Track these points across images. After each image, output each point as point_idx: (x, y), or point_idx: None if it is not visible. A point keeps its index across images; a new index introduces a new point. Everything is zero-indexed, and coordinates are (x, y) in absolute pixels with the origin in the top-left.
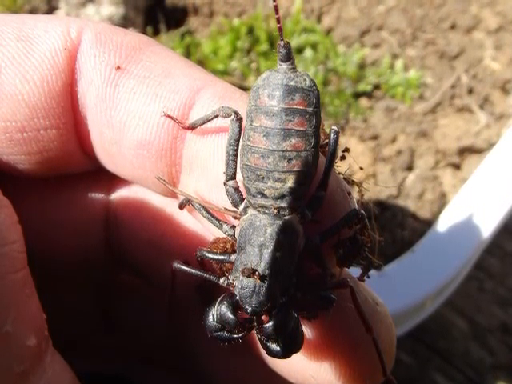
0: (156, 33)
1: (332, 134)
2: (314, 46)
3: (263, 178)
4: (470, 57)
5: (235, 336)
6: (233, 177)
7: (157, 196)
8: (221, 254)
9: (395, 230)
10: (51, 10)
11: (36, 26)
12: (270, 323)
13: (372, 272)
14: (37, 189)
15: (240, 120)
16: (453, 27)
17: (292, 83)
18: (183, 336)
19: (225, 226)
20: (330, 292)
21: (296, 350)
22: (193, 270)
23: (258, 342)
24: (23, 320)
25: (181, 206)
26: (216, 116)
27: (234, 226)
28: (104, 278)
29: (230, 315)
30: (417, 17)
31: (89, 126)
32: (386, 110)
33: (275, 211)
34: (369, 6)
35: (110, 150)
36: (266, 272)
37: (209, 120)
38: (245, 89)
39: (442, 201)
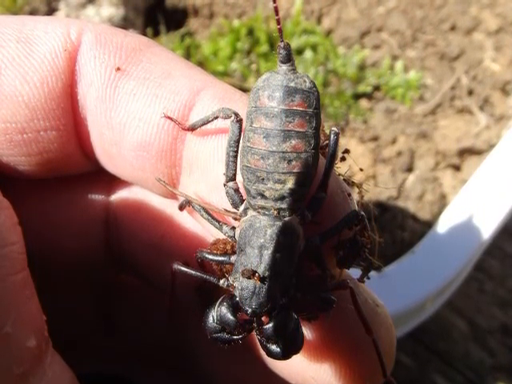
0: (156, 34)
1: (332, 136)
2: (314, 48)
3: (263, 179)
4: (470, 58)
5: (235, 337)
6: (233, 178)
7: (157, 197)
8: (221, 255)
9: (395, 231)
10: (51, 11)
11: (36, 28)
12: (270, 324)
13: (372, 273)
14: (37, 190)
15: (240, 121)
16: (453, 28)
17: (292, 84)
18: (183, 336)
19: (225, 228)
20: (330, 293)
21: (296, 352)
22: (193, 272)
23: (258, 343)
24: (23, 321)
25: (181, 208)
26: (216, 117)
27: (233, 228)
28: (104, 279)
29: (229, 316)
30: (417, 18)
31: (89, 128)
32: (386, 111)
33: (275, 212)
34: (369, 7)
35: (109, 151)
36: (266, 273)
37: (209, 121)
38: (245, 90)
39: (442, 202)
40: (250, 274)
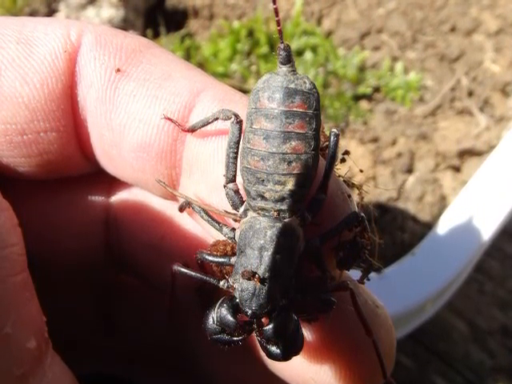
0: (156, 35)
1: (332, 137)
2: (314, 49)
3: (263, 180)
4: (470, 59)
5: (235, 339)
6: (233, 179)
7: (157, 198)
8: (221, 256)
9: (395, 232)
10: (51, 12)
11: (36, 29)
12: (270, 326)
13: (372, 274)
14: (37, 191)
15: (240, 123)
16: (453, 30)
17: (292, 86)
18: (183, 336)
19: (225, 229)
20: (330, 294)
21: (296, 353)
22: (193, 273)
23: (258, 345)
24: (23, 322)
25: (181, 209)
26: (216, 119)
27: (234, 229)
28: (104, 280)
29: (229, 318)
30: (417, 19)
31: (89, 129)
32: (386, 112)
33: (275, 214)
34: (369, 8)
35: (109, 153)
36: (266, 275)
37: (209, 122)
38: (245, 91)
39: (442, 203)
40: (250, 275)
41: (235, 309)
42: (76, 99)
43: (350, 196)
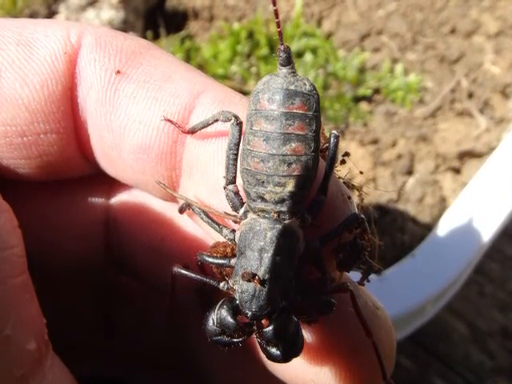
0: (156, 37)
1: (332, 138)
2: (314, 50)
3: (263, 182)
4: (470, 61)
5: (235, 340)
6: (233, 181)
7: (157, 200)
8: (221, 258)
9: (395, 234)
10: (51, 14)
11: (36, 31)
12: (270, 327)
13: (372, 276)
14: (37, 193)
15: (240, 124)
16: (453, 31)
17: (292, 87)
18: (183, 337)
19: (225, 231)
20: (330, 296)
21: (296, 355)
22: (193, 274)
23: (258, 346)
24: (23, 324)
25: (181, 211)
26: (216, 120)
27: (233, 230)
28: (104, 281)
29: (229, 319)
30: (417, 21)
31: (89, 131)
32: (386, 114)
33: (275, 215)
34: (369, 10)
35: (109, 154)
36: (266, 276)
37: (209, 124)
38: (245, 93)
39: (442, 205)
40: (250, 276)
41: (235, 310)
42: (76, 101)
43: (350, 197)
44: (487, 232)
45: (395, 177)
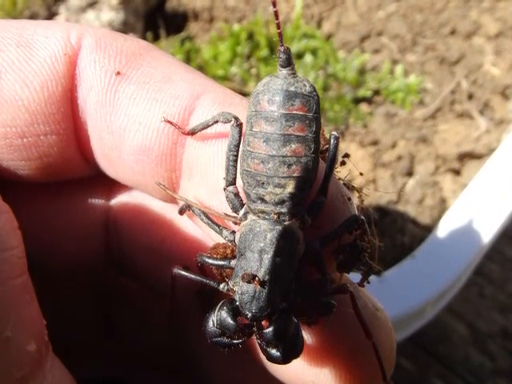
0: (156, 38)
1: (332, 140)
2: (314, 52)
3: (263, 183)
4: (469, 62)
5: (235, 341)
6: (233, 182)
7: (157, 201)
8: (221, 259)
9: (395, 235)
10: (51, 15)
11: (36, 32)
12: (270, 329)
13: (372, 277)
14: (37, 194)
15: (240, 125)
16: (453, 33)
17: (292, 89)
18: (183, 338)
19: (225, 232)
20: (330, 297)
21: (296, 356)
22: (193, 276)
23: (258, 347)
24: (23, 325)
25: (181, 212)
26: (216, 121)
27: (233, 232)
28: (104, 282)
29: (229, 321)
30: (417, 22)
31: (89, 132)
32: (386, 115)
33: (275, 217)
34: (369, 11)
35: (109, 156)
36: (266, 277)
37: (209, 125)
38: (245, 94)
39: (442, 206)
40: (250, 278)
41: (235, 312)
42: (76, 102)
43: (349, 199)
44: (487, 233)
45: (395, 178)
